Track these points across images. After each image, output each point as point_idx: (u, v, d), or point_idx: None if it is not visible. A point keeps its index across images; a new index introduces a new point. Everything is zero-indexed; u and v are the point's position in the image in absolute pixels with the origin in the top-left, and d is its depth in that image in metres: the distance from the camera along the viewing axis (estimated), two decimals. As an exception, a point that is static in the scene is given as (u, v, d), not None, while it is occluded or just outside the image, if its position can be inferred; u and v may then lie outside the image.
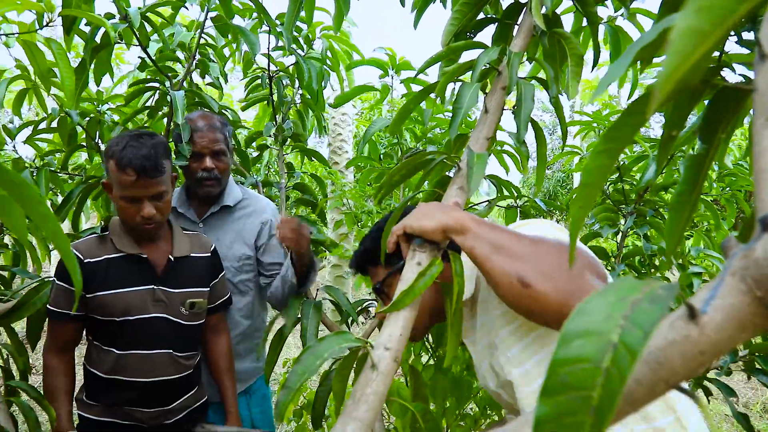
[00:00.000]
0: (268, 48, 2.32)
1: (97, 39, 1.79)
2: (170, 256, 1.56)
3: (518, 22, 1.20)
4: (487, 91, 1.17)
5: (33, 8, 1.54)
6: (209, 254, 1.67)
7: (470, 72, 1.17)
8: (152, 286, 1.53)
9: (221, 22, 2.04)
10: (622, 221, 1.96)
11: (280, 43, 2.14)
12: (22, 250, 2.05)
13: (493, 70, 1.19)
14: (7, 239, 2.13)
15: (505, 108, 1.16)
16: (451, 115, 1.09)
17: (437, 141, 2.09)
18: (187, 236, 1.64)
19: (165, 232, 1.61)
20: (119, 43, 1.87)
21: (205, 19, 1.99)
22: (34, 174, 2.01)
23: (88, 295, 1.48)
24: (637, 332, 0.37)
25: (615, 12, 1.51)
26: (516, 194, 1.75)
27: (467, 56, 1.24)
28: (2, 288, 1.85)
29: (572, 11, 1.50)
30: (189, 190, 1.87)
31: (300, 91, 2.39)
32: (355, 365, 0.88)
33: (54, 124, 2.02)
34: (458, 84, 1.18)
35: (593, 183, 0.56)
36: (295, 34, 2.20)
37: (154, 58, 1.94)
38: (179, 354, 1.58)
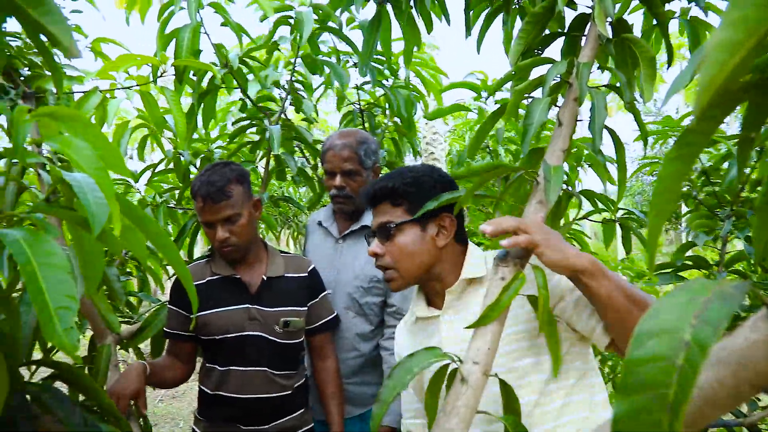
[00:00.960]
0: (357, 82, 2.45)
1: (204, 85, 1.99)
2: (264, 276, 1.66)
3: (585, 33, 1.21)
4: (559, 104, 1.18)
5: (150, 62, 1.76)
6: (306, 275, 1.73)
7: (541, 88, 1.19)
8: (247, 305, 1.63)
9: (309, 59, 2.18)
10: (721, 226, 1.85)
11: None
12: (145, 277, 2.27)
13: (563, 84, 1.20)
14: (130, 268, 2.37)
15: (579, 119, 1.17)
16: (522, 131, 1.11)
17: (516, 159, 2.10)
18: (282, 258, 1.73)
19: (260, 255, 1.71)
20: (221, 87, 2.07)
21: (296, 58, 2.15)
22: (154, 209, 2.23)
23: (191, 316, 1.63)
24: (708, 329, 0.39)
25: (689, 2, 1.45)
26: (612, 207, 1.71)
27: (537, 73, 1.25)
28: (130, 312, 2.06)
29: (641, 9, 1.46)
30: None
31: (390, 119, 2.49)
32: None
33: (170, 166, 2.26)
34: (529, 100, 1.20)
35: (668, 190, 0.56)
36: (379, 66, 2.30)
37: (253, 98, 2.12)
38: (275, 372, 1.63)
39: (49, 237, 0.70)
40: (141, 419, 1.51)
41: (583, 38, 1.20)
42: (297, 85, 2.24)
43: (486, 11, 1.49)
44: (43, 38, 1.31)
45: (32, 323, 1.28)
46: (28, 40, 2.05)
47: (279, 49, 2.17)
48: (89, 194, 0.72)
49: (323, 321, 1.74)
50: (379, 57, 2.34)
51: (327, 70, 2.27)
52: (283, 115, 2.21)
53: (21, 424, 0.83)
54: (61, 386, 0.97)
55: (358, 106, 2.55)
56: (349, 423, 1.80)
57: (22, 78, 1.85)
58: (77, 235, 0.90)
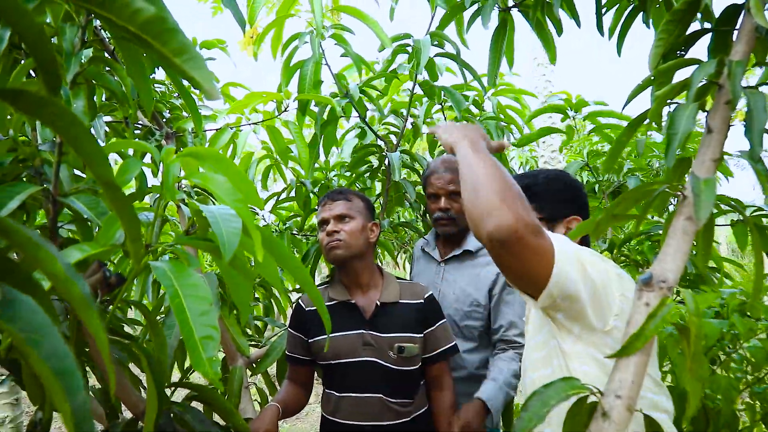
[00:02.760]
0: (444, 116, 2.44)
1: (324, 116, 2.09)
2: (377, 302, 1.66)
3: (737, 27, 1.08)
4: (707, 109, 1.06)
5: (274, 98, 1.89)
6: (422, 301, 1.70)
7: (685, 92, 1.08)
8: (361, 330, 1.63)
9: (427, 86, 2.21)
10: None
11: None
12: (270, 304, 2.39)
13: (712, 86, 1.08)
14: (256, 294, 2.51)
15: (732, 123, 1.04)
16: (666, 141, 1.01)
17: (641, 169, 1.96)
18: (398, 284, 1.73)
19: (375, 280, 1.72)
20: (342, 117, 2.16)
21: (414, 86, 2.18)
22: (278, 235, 2.36)
23: (309, 340, 1.68)
24: None
25: None
26: (740, 206, 1.51)
27: (680, 76, 1.14)
28: (257, 336, 2.17)
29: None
30: (437, 234, 2.02)
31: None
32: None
33: (292, 194, 2.39)
34: (673, 107, 1.10)
35: None
36: (465, 103, 2.29)
37: (372, 126, 2.19)
38: (391, 399, 1.60)
39: (192, 269, 0.75)
40: None
41: (735, 33, 1.08)
42: (415, 112, 2.27)
43: (627, 10, 1.40)
44: (184, 83, 1.44)
45: (174, 345, 1.38)
46: (170, 86, 2.28)
47: (397, 77, 2.22)
48: (222, 224, 0.75)
49: (441, 350, 1.69)
50: (464, 94, 2.33)
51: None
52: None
53: (168, 442, 0.89)
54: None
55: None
56: None
57: (164, 120, 2.05)
58: (224, 269, 0.95)
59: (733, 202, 1.33)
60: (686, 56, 1.14)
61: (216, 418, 1.30)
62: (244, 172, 0.77)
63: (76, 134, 0.55)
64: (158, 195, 0.81)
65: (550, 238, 0.94)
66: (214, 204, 0.83)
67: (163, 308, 1.82)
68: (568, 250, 0.94)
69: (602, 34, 1.49)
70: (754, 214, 1.82)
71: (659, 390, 1.01)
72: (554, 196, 1.22)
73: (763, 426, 1.62)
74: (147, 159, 2.01)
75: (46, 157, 0.98)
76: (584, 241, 1.25)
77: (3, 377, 1.47)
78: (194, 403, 1.03)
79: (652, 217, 2.11)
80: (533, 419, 0.76)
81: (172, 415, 0.96)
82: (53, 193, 0.82)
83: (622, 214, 1.17)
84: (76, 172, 1.12)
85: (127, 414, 1.07)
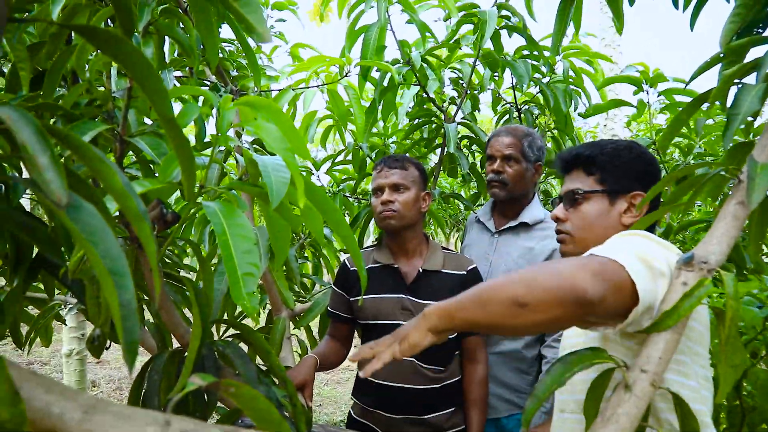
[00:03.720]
0: (512, 82, 2.39)
1: (385, 83, 2.11)
2: (420, 268, 1.69)
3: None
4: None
5: (337, 63, 1.93)
6: (464, 272, 1.72)
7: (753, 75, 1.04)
8: (401, 295, 1.67)
9: (490, 58, 2.19)
10: None
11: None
12: (319, 262, 2.48)
13: (786, 69, 1.03)
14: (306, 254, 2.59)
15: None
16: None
17: (712, 153, 1.86)
18: (443, 254, 1.74)
19: (421, 248, 1.75)
20: (402, 84, 2.17)
21: (477, 57, 2.16)
22: (330, 196, 2.42)
23: (351, 299, 1.73)
24: None
25: None
26: None
27: (754, 56, 1.09)
28: (303, 292, 2.25)
29: None
30: (494, 204, 2.01)
31: (551, 117, 2.40)
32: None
33: (348, 157, 2.44)
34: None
35: None
36: (534, 63, 2.22)
37: (431, 96, 2.19)
38: (424, 365, 1.63)
39: (241, 211, 0.80)
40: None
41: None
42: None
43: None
44: (251, 43, 1.49)
45: (223, 290, 1.47)
46: (238, 46, 2.36)
47: (460, 47, 2.20)
48: (272, 173, 0.80)
49: None
50: (533, 54, 2.26)
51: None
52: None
53: (207, 370, 0.96)
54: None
55: (513, 106, 2.50)
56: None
57: (231, 78, 2.13)
58: (268, 214, 1.01)
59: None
60: (764, 34, 1.09)
61: (257, 362, 1.38)
62: (294, 124, 0.81)
63: (142, 72, 0.60)
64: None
65: (608, 256, 0.83)
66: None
67: (216, 257, 1.92)
68: (633, 260, 0.83)
69: (677, 6, 1.42)
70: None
71: (706, 384, 0.98)
72: (620, 168, 1.15)
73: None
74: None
75: (117, 103, 1.06)
76: (652, 226, 1.17)
77: (71, 305, 1.61)
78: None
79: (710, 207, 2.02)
80: (554, 383, 0.78)
81: (214, 349, 1.03)
82: (121, 133, 0.89)
83: (675, 199, 1.15)
84: (146, 121, 1.21)
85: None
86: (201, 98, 1.74)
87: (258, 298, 0.74)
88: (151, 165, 1.05)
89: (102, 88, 1.03)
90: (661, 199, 1.20)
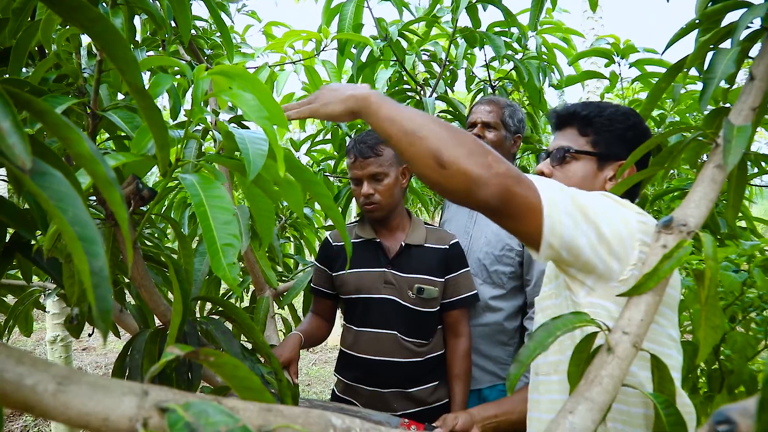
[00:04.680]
0: (485, 59, 2.38)
1: (363, 58, 2.08)
2: (403, 242, 1.69)
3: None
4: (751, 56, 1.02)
5: (314, 37, 1.90)
6: (446, 247, 1.72)
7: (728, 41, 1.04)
8: (384, 268, 1.68)
9: (467, 31, 2.17)
10: None
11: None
12: (300, 244, 2.47)
13: (762, 32, 1.03)
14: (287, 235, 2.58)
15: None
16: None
17: (685, 122, 1.88)
18: (426, 228, 1.75)
19: (403, 222, 1.75)
20: (380, 60, 2.15)
21: (454, 33, 2.14)
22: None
23: (333, 274, 1.74)
24: None
25: None
26: None
27: (729, 20, 1.09)
28: (285, 272, 2.25)
29: None
30: None
31: (525, 93, 2.40)
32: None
33: (327, 136, 2.41)
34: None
35: None
36: (507, 40, 2.22)
37: (410, 71, 2.17)
38: (406, 338, 1.65)
39: (219, 183, 0.78)
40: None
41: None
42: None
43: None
44: (225, 20, 1.45)
45: (204, 271, 1.45)
46: (212, 25, 2.31)
47: (438, 23, 2.18)
48: (249, 145, 0.79)
49: (460, 297, 1.71)
50: (506, 30, 2.26)
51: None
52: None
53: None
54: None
55: (487, 84, 2.50)
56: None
57: (205, 57, 2.08)
58: (250, 192, 1.00)
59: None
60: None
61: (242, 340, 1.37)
62: (271, 92, 0.79)
63: (110, 40, 0.58)
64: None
65: (534, 184, 0.86)
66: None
67: (197, 238, 1.91)
68: (555, 195, 0.86)
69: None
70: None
71: (672, 344, 1.00)
72: (615, 134, 1.13)
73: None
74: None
75: (89, 81, 1.03)
76: (633, 192, 1.18)
77: (50, 291, 1.58)
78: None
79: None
80: (537, 348, 0.78)
81: (197, 326, 1.02)
82: (92, 107, 0.86)
83: (654, 167, 1.16)
84: (119, 97, 1.17)
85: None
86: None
87: (238, 269, 0.73)
88: (125, 142, 1.03)
89: (72, 65, 0.99)
90: None
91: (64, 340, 3.43)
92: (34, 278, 1.53)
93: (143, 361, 0.92)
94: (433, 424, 1.45)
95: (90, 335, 1.48)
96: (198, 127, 1.74)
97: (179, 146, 0.83)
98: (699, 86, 2.15)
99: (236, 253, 0.75)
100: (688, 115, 2.19)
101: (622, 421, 0.93)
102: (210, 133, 1.74)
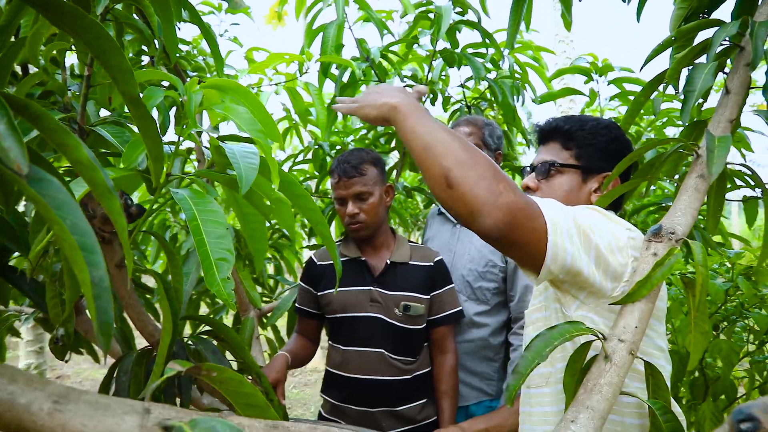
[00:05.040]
0: (461, 79, 2.43)
1: (344, 79, 2.10)
2: (388, 260, 1.69)
3: (763, -10, 1.06)
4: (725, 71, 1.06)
5: (296, 59, 1.91)
6: (431, 264, 1.73)
7: (704, 57, 1.08)
8: (369, 287, 1.67)
9: (447, 53, 2.21)
10: None
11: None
12: (280, 264, 2.44)
13: (733, 48, 1.08)
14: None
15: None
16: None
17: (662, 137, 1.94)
18: (409, 246, 1.75)
19: (388, 240, 1.75)
20: (361, 81, 2.16)
21: (434, 51, 2.18)
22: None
23: (318, 293, 1.71)
24: None
25: None
26: (755, 182, 1.50)
27: (701, 38, 1.14)
28: (268, 293, 2.22)
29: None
30: None
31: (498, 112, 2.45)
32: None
33: (309, 156, 2.41)
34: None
35: None
36: (480, 60, 2.27)
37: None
38: (393, 356, 1.62)
39: (211, 197, 0.77)
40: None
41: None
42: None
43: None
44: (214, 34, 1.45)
45: (189, 291, 1.42)
46: (193, 49, 2.31)
47: (419, 44, 2.21)
48: (240, 160, 0.78)
49: (445, 313, 1.70)
50: (479, 51, 2.31)
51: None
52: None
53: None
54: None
55: (463, 104, 2.54)
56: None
57: (188, 78, 2.08)
58: (242, 212, 0.98)
59: (747, 176, 1.33)
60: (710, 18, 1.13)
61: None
62: (264, 106, 0.79)
63: (104, 47, 0.57)
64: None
65: (540, 209, 0.85)
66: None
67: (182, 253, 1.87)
68: (560, 220, 0.85)
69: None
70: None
71: (661, 354, 1.00)
72: (597, 147, 1.15)
73: (759, 395, 1.61)
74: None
75: (74, 99, 1.01)
76: (617, 205, 1.20)
77: (27, 315, 1.53)
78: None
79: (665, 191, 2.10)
80: (536, 358, 0.78)
81: (185, 346, 0.99)
82: (80, 122, 0.85)
83: (637, 179, 1.18)
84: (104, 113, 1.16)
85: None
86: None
87: (233, 284, 0.72)
88: (109, 159, 1.01)
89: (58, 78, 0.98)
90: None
91: (38, 367, 3.31)
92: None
93: (130, 384, 0.89)
94: None
95: (66, 361, 1.43)
96: (189, 143, 1.72)
97: (168, 162, 0.82)
98: (674, 104, 2.22)
99: (230, 268, 0.74)
100: (664, 131, 2.25)
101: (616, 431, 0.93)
102: (192, 152, 1.73)
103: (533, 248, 0.84)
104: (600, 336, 0.80)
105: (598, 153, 1.16)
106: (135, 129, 0.86)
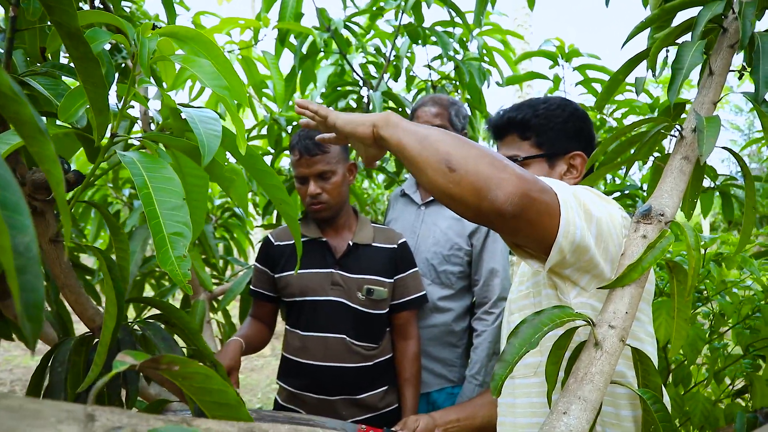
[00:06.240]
0: (428, 59, 2.36)
1: (304, 50, 1.98)
2: (350, 242, 1.61)
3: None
4: (710, 51, 1.04)
5: (252, 25, 1.77)
6: (395, 246, 1.66)
7: (685, 36, 1.05)
8: (330, 269, 1.59)
9: (412, 27, 2.12)
10: None
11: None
12: (230, 245, 2.32)
13: (716, 29, 1.05)
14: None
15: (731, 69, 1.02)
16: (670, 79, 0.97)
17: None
18: (372, 227, 1.68)
19: (350, 221, 1.67)
20: (322, 52, 2.05)
21: (399, 26, 2.09)
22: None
23: (276, 275, 1.62)
24: None
25: None
26: (712, 173, 1.52)
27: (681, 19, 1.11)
28: (218, 273, 2.09)
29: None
30: None
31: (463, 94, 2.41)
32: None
33: (263, 131, 2.27)
34: (672, 49, 1.06)
35: None
36: (449, 40, 2.21)
37: (352, 65, 2.09)
38: (355, 342, 1.57)
39: (166, 163, 0.67)
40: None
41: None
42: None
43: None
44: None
45: (135, 271, 1.29)
46: (137, 11, 2.13)
47: (381, 15, 2.12)
48: (200, 126, 0.68)
49: (409, 298, 1.65)
50: (448, 30, 2.25)
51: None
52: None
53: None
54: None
55: (429, 84, 2.49)
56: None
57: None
58: (185, 181, 0.88)
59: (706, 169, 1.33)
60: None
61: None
62: (229, 60, 0.69)
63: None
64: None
65: (548, 185, 0.82)
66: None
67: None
68: (568, 195, 0.82)
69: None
70: (726, 182, 1.85)
71: (649, 340, 0.97)
72: (556, 129, 1.11)
73: (714, 382, 1.65)
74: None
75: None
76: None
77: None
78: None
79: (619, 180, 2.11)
80: (524, 345, 0.72)
81: (131, 331, 0.89)
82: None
83: (615, 159, 1.15)
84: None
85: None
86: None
87: (189, 263, 0.62)
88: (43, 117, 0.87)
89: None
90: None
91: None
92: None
93: (67, 376, 0.78)
94: (393, 428, 1.37)
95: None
96: (133, 111, 1.57)
97: (113, 122, 0.71)
98: (633, 94, 2.23)
99: (187, 244, 0.64)
100: (624, 121, 2.25)
101: (611, 424, 0.89)
102: (137, 120, 1.58)
103: (546, 224, 0.78)
104: (590, 321, 0.75)
105: (557, 135, 1.12)
106: (74, 83, 0.74)
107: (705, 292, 1.38)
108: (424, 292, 1.68)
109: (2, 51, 0.75)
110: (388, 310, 1.63)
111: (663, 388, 0.85)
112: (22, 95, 0.32)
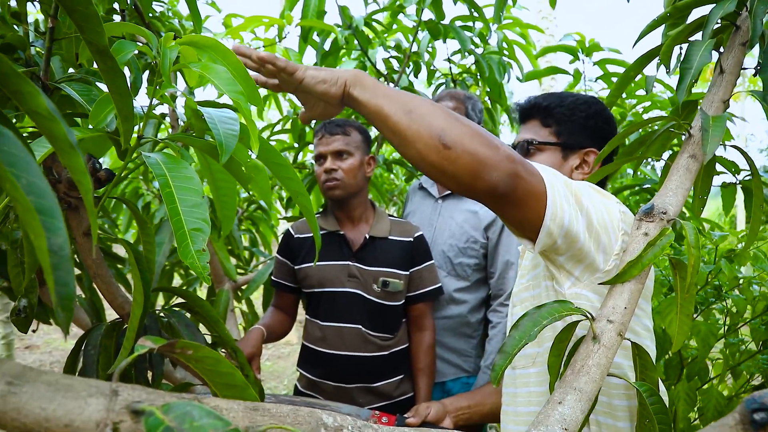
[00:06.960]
0: (448, 53, 2.38)
1: (326, 47, 2.02)
2: (367, 235, 1.65)
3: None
4: (721, 50, 1.04)
5: (276, 23, 1.82)
6: (411, 239, 1.70)
7: (698, 34, 1.05)
8: (348, 262, 1.63)
9: (432, 24, 2.15)
10: None
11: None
12: (255, 238, 2.39)
13: (728, 27, 1.05)
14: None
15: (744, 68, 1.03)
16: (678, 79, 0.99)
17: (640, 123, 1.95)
18: (389, 220, 1.72)
19: (367, 214, 1.71)
20: (343, 49, 2.10)
21: (419, 21, 2.11)
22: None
23: (295, 267, 1.68)
24: None
25: None
26: (733, 168, 1.51)
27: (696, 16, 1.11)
28: (243, 264, 2.17)
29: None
30: None
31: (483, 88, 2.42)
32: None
33: (287, 126, 2.33)
34: (685, 46, 1.07)
35: None
36: (468, 34, 2.22)
37: (374, 61, 2.13)
38: (371, 332, 1.61)
39: (187, 163, 0.72)
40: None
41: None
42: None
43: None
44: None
45: (162, 261, 1.36)
46: (168, 11, 2.20)
47: (404, 13, 2.14)
48: (219, 126, 0.73)
49: (425, 290, 1.68)
50: (468, 25, 2.26)
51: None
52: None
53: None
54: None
55: (449, 79, 2.51)
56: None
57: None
58: (214, 178, 0.93)
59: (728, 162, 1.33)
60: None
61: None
62: (244, 66, 0.73)
63: (67, -7, 0.51)
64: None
65: (536, 168, 0.83)
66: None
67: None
68: (555, 180, 0.83)
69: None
70: (746, 178, 1.82)
71: (647, 334, 1.00)
72: (577, 123, 1.13)
73: (732, 376, 1.64)
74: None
75: (39, 51, 0.93)
76: (602, 185, 1.18)
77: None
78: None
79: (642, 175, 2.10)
80: (524, 338, 0.76)
81: (158, 319, 0.95)
82: (42, 79, 0.78)
83: (627, 156, 1.16)
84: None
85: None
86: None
87: (208, 256, 0.67)
88: (77, 120, 0.94)
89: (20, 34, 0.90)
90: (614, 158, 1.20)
91: (6, 337, 3.21)
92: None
93: (99, 358, 0.85)
94: (405, 415, 1.42)
95: (34, 331, 1.37)
96: (163, 109, 1.64)
97: (141, 124, 0.76)
98: (656, 88, 2.21)
99: (206, 239, 0.69)
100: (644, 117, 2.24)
101: (603, 413, 0.92)
102: (165, 117, 1.65)
103: (533, 206, 0.81)
104: (589, 316, 0.78)
105: (577, 129, 1.14)
106: (105, 88, 0.80)
107: (721, 288, 1.38)
108: (439, 285, 1.71)
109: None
110: (403, 301, 1.67)
111: (660, 382, 0.87)
112: (56, 114, 0.37)
